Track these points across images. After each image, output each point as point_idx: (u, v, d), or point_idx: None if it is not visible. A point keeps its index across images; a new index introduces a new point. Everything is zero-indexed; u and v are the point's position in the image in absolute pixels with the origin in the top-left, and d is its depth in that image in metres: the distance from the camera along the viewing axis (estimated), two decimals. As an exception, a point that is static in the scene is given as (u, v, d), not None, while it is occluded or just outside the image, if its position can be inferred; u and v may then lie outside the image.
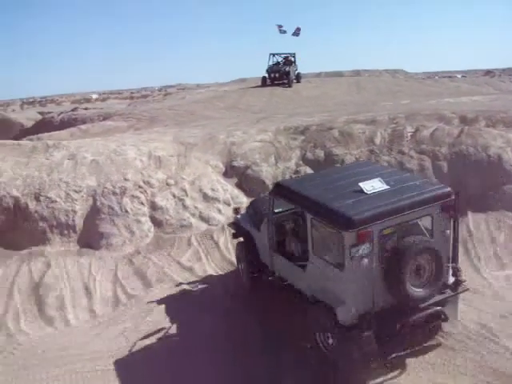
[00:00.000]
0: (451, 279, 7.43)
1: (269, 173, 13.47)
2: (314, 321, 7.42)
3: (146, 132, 19.03)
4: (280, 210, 8.65)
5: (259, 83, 35.11)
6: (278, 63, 35.63)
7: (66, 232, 11.75)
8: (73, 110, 35.86)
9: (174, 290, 10.01)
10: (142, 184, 12.68)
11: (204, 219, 12.28)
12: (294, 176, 12.98)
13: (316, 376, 7.18)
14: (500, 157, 12.32)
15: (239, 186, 13.56)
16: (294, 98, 29.62)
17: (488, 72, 57.30)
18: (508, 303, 8.63)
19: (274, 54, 35.93)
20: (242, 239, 9.84)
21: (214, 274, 10.62)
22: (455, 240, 7.41)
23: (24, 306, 9.71)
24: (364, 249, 6.58)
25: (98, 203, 12.15)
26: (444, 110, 15.68)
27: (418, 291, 6.85)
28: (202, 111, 26.09)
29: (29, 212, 11.83)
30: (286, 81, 33.60)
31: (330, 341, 7.25)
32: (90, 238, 11.70)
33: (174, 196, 12.63)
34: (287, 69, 34.12)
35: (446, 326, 7.68)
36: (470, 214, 11.54)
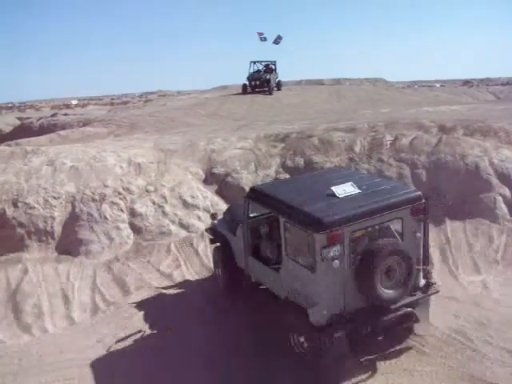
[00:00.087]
0: (422, 281, 7.58)
1: (249, 180, 13.50)
2: (288, 322, 7.52)
3: (126, 138, 18.98)
4: (255, 214, 8.78)
5: (240, 91, 35.21)
6: (258, 71, 35.76)
7: (44, 238, 11.65)
8: (52, 116, 35.56)
9: (153, 297, 9.96)
10: (121, 190, 12.63)
11: (184, 226, 12.26)
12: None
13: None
14: (477, 165, 12.49)
15: (219, 193, 13.57)
16: (275, 106, 29.77)
17: (466, 82, 57.93)
18: (485, 310, 8.73)
19: (254, 62, 36.08)
20: (218, 244, 9.90)
21: (192, 279, 10.62)
22: (425, 243, 7.56)
23: (0, 314, 9.59)
24: (335, 250, 6.70)
25: (77, 210, 12.07)
26: (423, 119, 15.87)
27: (388, 293, 6.99)
28: (183, 118, 26.08)
29: (6, 218, 11.71)
30: (266, 88, 33.74)
31: (303, 342, 7.36)
32: (69, 245, 11.61)
33: (153, 203, 12.59)
34: (268, 76, 34.27)
35: (418, 329, 7.78)
36: (447, 222, 11.67)
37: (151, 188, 12.93)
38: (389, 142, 14.10)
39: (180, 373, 7.59)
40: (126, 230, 11.97)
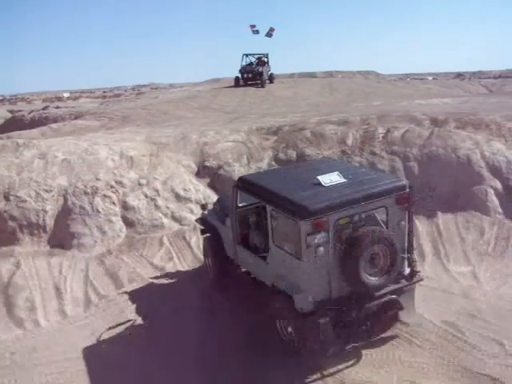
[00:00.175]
0: (407, 270, 7.68)
1: (241, 173, 13.43)
2: (274, 309, 7.64)
3: (118, 131, 18.90)
4: (244, 204, 8.90)
5: (232, 83, 35.16)
6: (251, 64, 35.74)
7: (36, 232, 11.61)
8: (44, 109, 35.50)
9: (146, 290, 9.96)
10: (113, 184, 12.60)
11: (176, 219, 12.26)
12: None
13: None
14: (469, 158, 12.53)
15: (211, 185, 13.57)
16: (267, 99, 29.76)
17: (458, 75, 58.14)
18: (476, 302, 8.78)
19: (247, 55, 36.05)
20: (209, 235, 9.97)
21: (182, 270, 10.70)
22: (410, 231, 7.68)
23: (-8, 308, 9.57)
24: (320, 238, 6.83)
25: (69, 203, 12.04)
26: (415, 112, 15.88)
27: (372, 280, 7.09)
28: (175, 111, 26.05)
29: (-2, 212, 11.67)
30: (258, 81, 33.74)
31: (289, 329, 7.49)
32: (61, 238, 11.58)
33: (145, 196, 12.57)
34: (260, 69, 34.26)
35: (403, 316, 7.84)
36: (439, 215, 11.72)
37: (143, 181, 12.91)
38: (381, 135, 14.12)
39: (174, 369, 7.61)
40: (119, 223, 11.96)
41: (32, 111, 32.97)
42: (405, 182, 7.71)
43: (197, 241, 11.38)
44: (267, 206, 7.61)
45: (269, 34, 38.07)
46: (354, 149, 13.83)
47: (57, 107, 37.69)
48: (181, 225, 12.14)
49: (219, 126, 17.44)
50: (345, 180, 7.44)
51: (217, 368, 7.48)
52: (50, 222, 11.78)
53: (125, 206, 12.24)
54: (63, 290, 10.03)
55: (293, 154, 14.16)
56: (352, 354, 7.41)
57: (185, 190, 12.97)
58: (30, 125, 27.54)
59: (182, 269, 10.73)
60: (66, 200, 12.09)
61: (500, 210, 11.58)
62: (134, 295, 9.80)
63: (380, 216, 7.37)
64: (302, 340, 7.22)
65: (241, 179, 8.61)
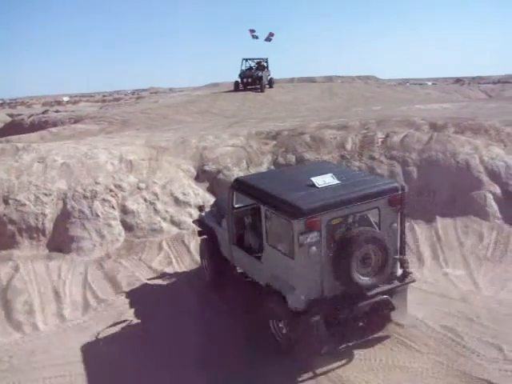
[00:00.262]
0: (399, 271, 7.76)
1: (240, 177, 13.52)
2: (268, 309, 7.71)
3: (118, 135, 18.93)
4: (240, 205, 9.01)
5: (232, 88, 35.18)
6: (250, 68, 35.74)
7: (35, 235, 11.62)
8: (43, 113, 35.48)
9: (144, 294, 9.96)
10: (113, 188, 12.60)
11: (175, 223, 12.27)
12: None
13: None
14: (468, 163, 12.55)
15: (211, 190, 13.59)
16: (267, 103, 29.76)
17: (458, 80, 58.28)
18: (474, 306, 8.77)
19: (246, 59, 36.04)
20: (206, 236, 10.06)
21: (180, 271, 10.75)
22: (402, 233, 7.74)
23: (-9, 311, 9.55)
24: (312, 237, 6.93)
25: (69, 207, 12.04)
26: (414, 117, 15.91)
27: (364, 279, 7.16)
28: (175, 115, 26.06)
29: (-3, 215, 11.67)
30: (258, 86, 33.71)
31: (282, 328, 7.55)
32: (60, 242, 11.58)
33: (145, 200, 12.58)
34: (260, 74, 34.26)
35: (395, 317, 7.87)
36: (438, 219, 11.72)
37: (143, 185, 12.92)
38: (380, 140, 14.14)
39: (176, 373, 7.60)
40: (118, 227, 11.96)
41: (31, 115, 32.96)
42: (397, 183, 7.82)
43: (196, 245, 11.37)
44: (261, 206, 7.72)
45: (268, 39, 38.14)
46: (353, 153, 13.85)
47: (56, 111, 37.70)
48: (180, 229, 12.15)
49: (219, 130, 17.46)
50: (338, 181, 7.55)
51: (217, 368, 7.48)
52: (49, 226, 11.79)
53: (124, 210, 12.24)
54: (62, 294, 10.02)
55: (292, 158, 14.18)
56: (351, 356, 7.43)
57: (184, 194, 12.98)
58: (29, 129, 27.54)
59: (180, 272, 10.74)
60: (65, 204, 12.10)
61: (499, 215, 11.59)
62: (133, 298, 9.79)
63: (373, 217, 7.48)
64: (295, 339, 7.29)
65: (237, 180, 8.77)
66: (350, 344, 7.46)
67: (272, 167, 13.99)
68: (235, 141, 15.32)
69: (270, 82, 35.55)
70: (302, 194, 7.26)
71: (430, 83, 53.60)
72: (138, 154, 14.15)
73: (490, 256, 10.67)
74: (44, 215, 11.84)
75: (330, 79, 50.48)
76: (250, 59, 36.21)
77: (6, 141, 20.49)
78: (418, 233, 11.36)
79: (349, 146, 14.17)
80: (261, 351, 7.68)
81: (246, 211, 9.11)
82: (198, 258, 10.95)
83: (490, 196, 11.88)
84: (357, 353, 7.50)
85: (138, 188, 12.82)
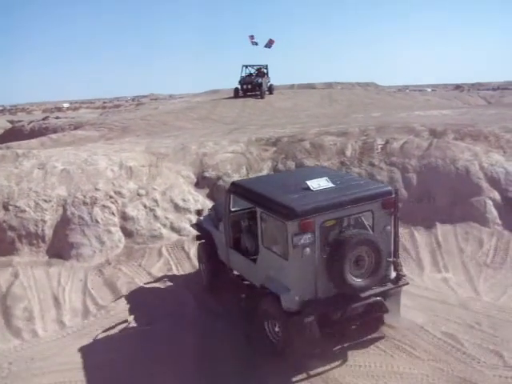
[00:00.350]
0: (393, 274, 7.84)
1: (240, 183, 13.53)
2: (263, 310, 7.78)
3: (118, 142, 18.96)
4: (237, 208, 9.16)
5: (232, 94, 35.23)
6: (250, 75, 35.80)
7: (35, 242, 11.61)
8: (44, 119, 35.53)
9: (144, 300, 9.94)
10: (112, 194, 12.61)
11: (175, 230, 12.27)
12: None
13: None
14: (468, 169, 12.56)
15: (210, 196, 13.60)
16: (267, 110, 29.80)
17: (457, 86, 58.46)
18: (474, 313, 8.77)
19: (246, 66, 36.11)
20: (203, 241, 10.18)
21: (178, 274, 10.81)
22: (396, 235, 7.82)
23: (-10, 318, 9.53)
24: (306, 238, 7.03)
25: (69, 213, 12.04)
26: (414, 123, 15.95)
27: (357, 281, 7.24)
28: (175, 122, 26.09)
29: (-3, 221, 11.66)
30: (258, 92, 33.76)
31: (277, 329, 7.61)
32: (60, 248, 11.57)
33: (144, 206, 12.58)
34: (260, 80, 34.31)
35: (388, 319, 7.96)
36: (438, 226, 11.74)
37: (143, 191, 12.92)
38: (380, 146, 14.17)
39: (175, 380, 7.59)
40: (118, 234, 11.96)
41: (32, 121, 33.00)
42: (390, 187, 7.90)
43: (196, 252, 11.38)
44: (257, 208, 7.86)
45: (268, 45, 38.20)
46: (353, 160, 13.87)
47: (57, 117, 37.75)
48: (180, 235, 12.15)
49: (218, 136, 17.49)
50: (333, 185, 7.67)
51: (214, 370, 7.51)
52: (48, 232, 11.78)
53: (124, 217, 12.24)
54: (61, 300, 10.01)
55: (292, 164, 14.21)
56: (350, 362, 7.44)
57: (184, 200, 12.99)
58: (29, 135, 27.59)
59: (178, 275, 10.79)
60: (65, 210, 12.10)
61: (499, 222, 11.60)
62: (132, 304, 9.77)
63: (367, 220, 7.57)
64: (289, 339, 7.34)
65: (233, 184, 8.86)
66: (345, 345, 7.55)
67: (272, 173, 13.99)
68: (235, 147, 15.34)
69: (270, 89, 35.61)
70: (296, 196, 7.37)
71: (429, 90, 53.79)
72: (137, 161, 14.16)
73: (490, 262, 10.68)
74: (44, 221, 11.84)
75: (329, 86, 50.51)
76: (249, 66, 36.29)
77: (7, 147, 20.49)
78: (418, 239, 11.38)
79: (348, 153, 14.20)
80: (257, 353, 7.74)
81: (242, 215, 9.23)
82: (197, 264, 10.96)
83: (489, 202, 11.89)
84: (356, 359, 7.51)
85: (138, 194, 12.83)
